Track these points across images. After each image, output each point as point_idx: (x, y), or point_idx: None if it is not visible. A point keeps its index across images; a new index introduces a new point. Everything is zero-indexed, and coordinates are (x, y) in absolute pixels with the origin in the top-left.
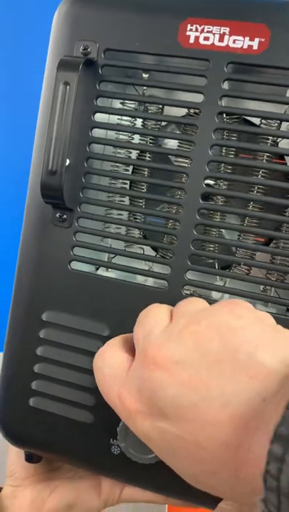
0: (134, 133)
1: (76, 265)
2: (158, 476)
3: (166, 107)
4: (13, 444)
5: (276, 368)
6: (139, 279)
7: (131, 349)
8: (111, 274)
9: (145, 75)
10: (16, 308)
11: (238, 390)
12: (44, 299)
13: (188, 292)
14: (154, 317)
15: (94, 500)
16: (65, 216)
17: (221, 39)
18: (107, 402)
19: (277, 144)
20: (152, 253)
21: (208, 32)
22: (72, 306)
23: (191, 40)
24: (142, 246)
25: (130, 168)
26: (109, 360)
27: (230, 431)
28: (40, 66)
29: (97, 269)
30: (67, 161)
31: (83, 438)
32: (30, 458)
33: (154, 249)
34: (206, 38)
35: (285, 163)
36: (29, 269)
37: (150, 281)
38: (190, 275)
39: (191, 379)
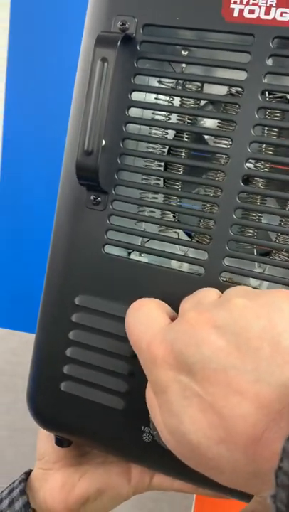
0: (173, 112)
1: (110, 249)
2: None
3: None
4: (43, 427)
5: None
6: (174, 264)
7: (169, 316)
8: (144, 258)
9: (184, 52)
10: (48, 291)
11: (271, 370)
12: (77, 283)
13: (224, 279)
14: (204, 293)
15: (123, 487)
16: (99, 199)
17: (267, 12)
18: (132, 345)
19: None
20: (185, 238)
21: (253, 4)
22: (106, 290)
23: (235, 14)
24: (176, 230)
25: (166, 149)
26: (148, 313)
27: (252, 406)
28: (72, 44)
29: (130, 253)
30: (103, 142)
31: (114, 424)
32: (60, 442)
33: (188, 234)
34: (252, 11)
35: None
36: (62, 253)
37: (185, 267)
38: (227, 261)
39: (229, 346)
